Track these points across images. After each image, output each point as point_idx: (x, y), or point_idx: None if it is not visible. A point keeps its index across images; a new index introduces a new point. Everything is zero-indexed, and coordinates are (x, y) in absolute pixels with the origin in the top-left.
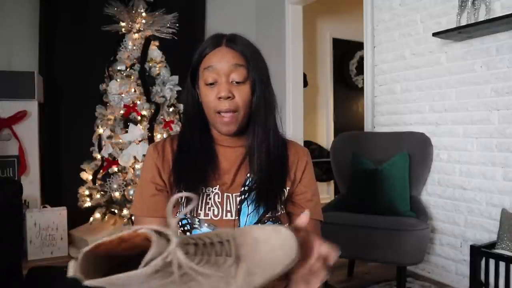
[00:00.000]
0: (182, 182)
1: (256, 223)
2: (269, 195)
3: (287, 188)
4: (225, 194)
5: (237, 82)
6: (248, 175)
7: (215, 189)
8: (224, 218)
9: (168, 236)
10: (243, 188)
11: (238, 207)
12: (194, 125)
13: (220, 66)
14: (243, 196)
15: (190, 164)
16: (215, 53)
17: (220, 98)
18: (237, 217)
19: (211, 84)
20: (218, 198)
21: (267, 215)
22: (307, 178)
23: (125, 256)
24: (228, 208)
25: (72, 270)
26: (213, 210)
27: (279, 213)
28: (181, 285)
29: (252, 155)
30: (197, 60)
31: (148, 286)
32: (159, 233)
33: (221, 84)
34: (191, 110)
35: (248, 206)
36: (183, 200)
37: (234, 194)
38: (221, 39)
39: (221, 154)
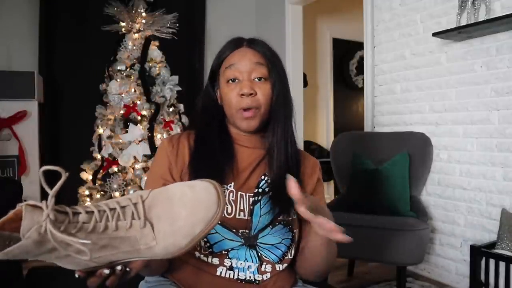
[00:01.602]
0: (198, 178)
1: (268, 225)
2: (285, 198)
3: None
4: (239, 192)
5: (259, 79)
6: (263, 177)
7: (230, 186)
8: (237, 216)
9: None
10: (257, 190)
11: (251, 207)
12: (213, 125)
13: (242, 64)
14: (256, 198)
15: (208, 160)
16: (237, 53)
17: (242, 95)
18: (249, 217)
19: (232, 80)
20: (233, 196)
21: (279, 218)
22: (320, 188)
23: None
24: (242, 207)
25: None
26: (227, 208)
27: (291, 218)
28: (65, 252)
29: (272, 153)
30: (217, 62)
31: (49, 256)
32: (38, 207)
33: (243, 82)
34: (210, 111)
35: (261, 208)
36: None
37: (247, 194)
38: (241, 41)
39: (239, 153)
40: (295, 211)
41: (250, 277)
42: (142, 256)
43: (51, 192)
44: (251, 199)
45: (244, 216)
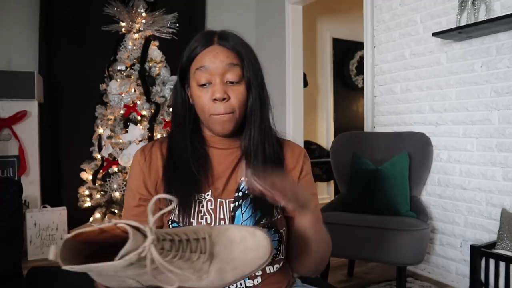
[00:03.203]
0: (174, 189)
1: None
2: (266, 201)
3: None
4: (218, 200)
5: (231, 82)
6: (242, 179)
7: (207, 195)
8: None
9: (144, 232)
10: (236, 194)
11: (232, 214)
12: (185, 128)
13: (214, 66)
14: (237, 203)
15: (182, 171)
16: (207, 53)
17: (215, 100)
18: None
19: (204, 85)
20: (211, 205)
21: (262, 222)
22: (304, 180)
23: (103, 243)
24: (222, 216)
25: (52, 255)
26: (206, 218)
27: (275, 218)
28: (152, 277)
29: (249, 157)
30: (187, 59)
31: (122, 274)
32: (137, 228)
33: (216, 85)
34: (181, 112)
35: (242, 213)
36: (175, 207)
37: (227, 200)
38: (212, 37)
39: (214, 157)
40: (278, 211)
41: (240, 283)
42: (186, 284)
43: (153, 218)
44: (232, 205)
45: (225, 224)
